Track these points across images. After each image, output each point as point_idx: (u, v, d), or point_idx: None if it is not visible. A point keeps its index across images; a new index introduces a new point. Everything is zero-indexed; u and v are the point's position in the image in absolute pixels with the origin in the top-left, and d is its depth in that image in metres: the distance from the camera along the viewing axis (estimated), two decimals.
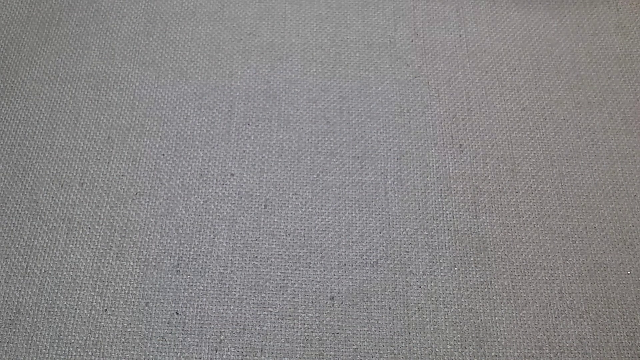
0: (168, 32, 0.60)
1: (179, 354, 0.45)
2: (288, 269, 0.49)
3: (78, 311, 0.46)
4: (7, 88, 0.56)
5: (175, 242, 0.49)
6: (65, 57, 0.58)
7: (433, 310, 0.47)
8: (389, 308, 0.47)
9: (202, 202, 0.51)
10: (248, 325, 0.46)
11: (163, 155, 0.53)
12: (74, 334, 0.46)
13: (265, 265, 0.49)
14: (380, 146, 0.54)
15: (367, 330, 0.46)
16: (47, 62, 0.58)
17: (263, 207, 0.51)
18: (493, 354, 0.46)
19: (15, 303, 0.47)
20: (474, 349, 0.46)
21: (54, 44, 0.59)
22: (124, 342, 0.45)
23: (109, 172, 0.52)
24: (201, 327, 0.46)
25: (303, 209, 0.51)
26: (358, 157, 0.54)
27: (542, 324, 0.47)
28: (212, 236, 0.50)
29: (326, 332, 0.46)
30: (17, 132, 0.54)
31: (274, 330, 0.46)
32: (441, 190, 0.52)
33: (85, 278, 0.48)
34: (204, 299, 0.47)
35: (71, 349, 0.45)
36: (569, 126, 0.56)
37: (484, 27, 0.61)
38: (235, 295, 0.47)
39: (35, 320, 0.46)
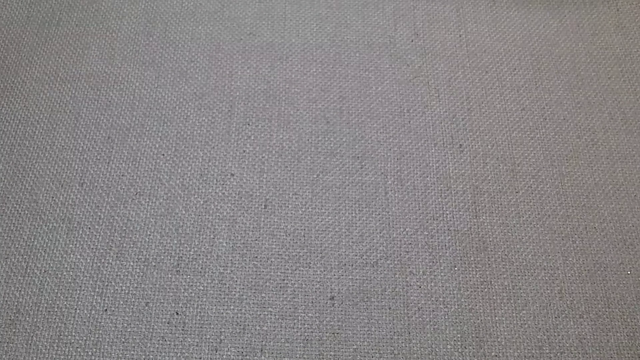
0: (168, 32, 0.60)
1: (179, 354, 0.45)
2: (288, 269, 0.49)
3: (78, 311, 0.46)
4: (7, 88, 0.56)
5: (175, 242, 0.49)
6: (65, 57, 0.58)
7: (433, 310, 0.47)
8: (389, 308, 0.47)
9: (202, 202, 0.51)
10: (248, 325, 0.46)
11: (163, 155, 0.53)
12: (74, 334, 0.46)
13: (265, 265, 0.49)
14: (380, 146, 0.54)
15: (367, 330, 0.46)
16: (47, 62, 0.58)
17: (263, 207, 0.51)
18: (493, 354, 0.46)
19: (15, 303, 0.47)
20: (474, 349, 0.46)
21: (54, 44, 0.59)
22: (124, 342, 0.45)
23: (109, 172, 0.52)
24: (201, 327, 0.46)
25: (303, 209, 0.51)
26: (358, 157, 0.54)
27: (542, 324, 0.47)
28: (212, 236, 0.50)
29: (326, 332, 0.46)
30: (17, 132, 0.54)
31: (274, 330, 0.46)
32: (441, 190, 0.52)
33: (85, 278, 0.48)
34: (204, 299, 0.47)
35: (71, 349, 0.45)
36: (569, 126, 0.56)
37: (484, 27, 0.61)
38: (235, 295, 0.47)
39: (35, 320, 0.46)
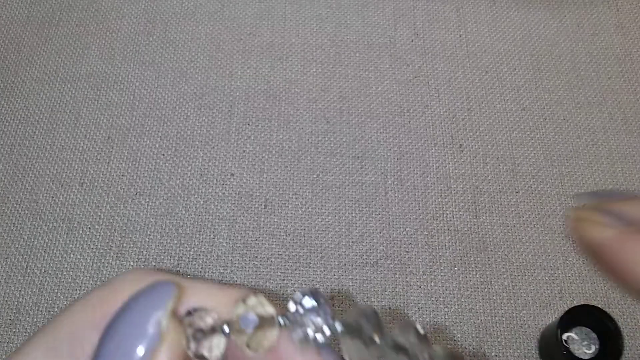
0: (168, 32, 0.60)
1: None
2: (288, 269, 0.49)
3: None
4: (7, 88, 0.56)
5: (175, 242, 0.49)
6: (65, 57, 0.58)
7: (433, 310, 0.47)
8: (389, 308, 0.47)
9: (202, 202, 0.51)
10: None
11: (163, 155, 0.53)
12: None
13: (265, 265, 0.49)
14: (380, 146, 0.54)
15: None
16: (47, 62, 0.58)
17: (263, 207, 0.51)
18: (493, 354, 0.46)
19: (15, 303, 0.47)
20: (474, 349, 0.46)
21: (54, 44, 0.59)
22: None
23: (109, 172, 0.52)
24: None
25: (303, 209, 0.51)
26: (358, 157, 0.54)
27: (542, 324, 0.47)
28: (212, 236, 0.50)
29: None
30: (17, 132, 0.54)
31: None
32: (441, 190, 0.52)
33: (85, 278, 0.48)
34: None
35: None
36: (569, 126, 0.56)
37: (484, 27, 0.61)
38: None
39: (35, 320, 0.46)
